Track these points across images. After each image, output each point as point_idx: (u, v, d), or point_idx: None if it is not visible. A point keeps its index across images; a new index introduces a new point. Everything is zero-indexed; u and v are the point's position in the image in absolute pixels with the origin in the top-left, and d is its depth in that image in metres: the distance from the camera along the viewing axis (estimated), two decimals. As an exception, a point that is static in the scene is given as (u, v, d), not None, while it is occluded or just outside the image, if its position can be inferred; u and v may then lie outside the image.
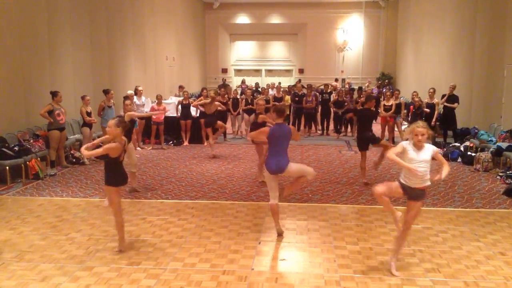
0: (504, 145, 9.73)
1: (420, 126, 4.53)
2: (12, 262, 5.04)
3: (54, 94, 9.46)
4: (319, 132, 15.05)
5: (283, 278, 4.70)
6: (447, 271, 4.86)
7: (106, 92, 10.78)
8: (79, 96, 10.64)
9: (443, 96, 12.35)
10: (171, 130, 13.00)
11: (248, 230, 6.06)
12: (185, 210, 6.95)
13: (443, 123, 12.58)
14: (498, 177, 8.98)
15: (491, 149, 9.96)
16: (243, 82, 22.14)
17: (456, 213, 6.87)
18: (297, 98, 14.52)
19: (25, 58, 9.79)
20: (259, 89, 17.27)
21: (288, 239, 5.81)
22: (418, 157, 4.53)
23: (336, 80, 20.12)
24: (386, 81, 23.16)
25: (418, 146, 4.56)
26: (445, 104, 12.21)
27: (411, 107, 12.49)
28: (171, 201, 7.42)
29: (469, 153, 10.57)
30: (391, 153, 4.55)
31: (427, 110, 11.75)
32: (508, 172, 8.88)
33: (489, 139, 10.81)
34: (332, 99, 14.49)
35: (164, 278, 4.65)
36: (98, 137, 11.40)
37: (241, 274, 4.77)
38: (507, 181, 8.52)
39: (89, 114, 10.28)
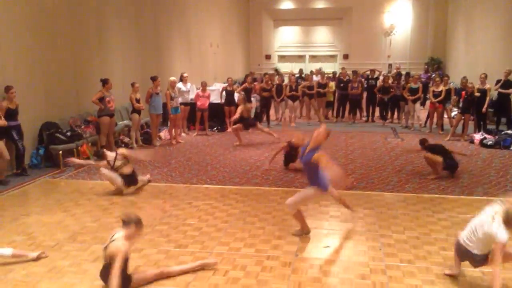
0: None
1: None
2: (65, 243, 5.28)
3: (104, 81, 9.74)
4: (364, 118, 14.79)
5: (327, 265, 4.69)
6: (498, 262, 4.69)
7: (153, 79, 11.00)
8: (128, 83, 10.91)
9: (498, 81, 11.82)
10: (216, 117, 13.13)
11: (292, 217, 6.06)
12: (230, 195, 7.03)
13: (497, 110, 12.08)
14: (555, 166, 8.55)
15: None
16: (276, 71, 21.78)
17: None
18: (342, 85, 14.30)
19: (75, 47, 10.12)
20: (303, 75, 17.11)
21: (332, 226, 5.78)
22: None
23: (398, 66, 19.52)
24: (436, 66, 22.41)
25: None
26: (500, 90, 11.70)
27: (463, 93, 12.04)
28: (216, 186, 7.52)
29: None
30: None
31: (478, 94, 11.30)
32: None
33: (546, 126, 10.30)
34: (378, 85, 14.18)
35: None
36: (146, 123, 11.75)
37: (285, 260, 4.80)
38: None
39: (138, 100, 10.53)
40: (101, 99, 9.58)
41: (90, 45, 10.74)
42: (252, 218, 6.05)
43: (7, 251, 4.70)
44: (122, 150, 7.30)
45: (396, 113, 14.17)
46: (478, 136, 10.96)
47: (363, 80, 15.03)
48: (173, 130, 11.40)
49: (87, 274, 4.49)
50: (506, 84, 11.66)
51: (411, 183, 7.63)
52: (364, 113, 14.86)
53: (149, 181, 7.64)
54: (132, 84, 10.60)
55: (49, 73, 9.33)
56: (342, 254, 5.00)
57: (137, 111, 10.56)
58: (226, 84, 13.16)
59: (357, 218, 6.02)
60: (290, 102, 13.77)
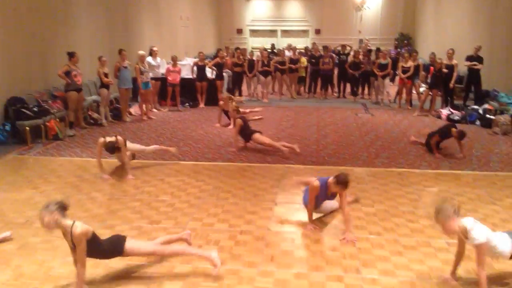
0: (524, 108, 9.57)
1: None
2: (36, 220, 5.19)
3: (71, 55, 9.47)
4: (335, 94, 14.91)
5: (299, 239, 4.79)
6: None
7: (119, 52, 10.76)
8: (95, 57, 10.64)
9: (468, 57, 12.03)
10: (187, 92, 12.99)
11: (265, 192, 6.14)
12: (203, 171, 7.04)
13: (468, 84, 12.37)
14: (517, 140, 8.88)
15: (510, 112, 9.80)
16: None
17: (473, 176, 6.85)
18: (313, 60, 14.33)
19: (40, 19, 9.78)
20: (275, 51, 17.05)
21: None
22: None
23: (363, 40, 19.54)
24: (405, 41, 22.65)
25: None
26: (468, 64, 11.91)
27: (431, 68, 12.26)
28: (188, 162, 7.50)
29: (487, 115, 10.43)
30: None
31: (446, 70, 11.54)
32: (527, 136, 8.78)
33: (509, 101, 10.63)
34: (349, 60, 14.26)
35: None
36: (115, 99, 11.53)
37: (258, 234, 4.87)
38: (526, 145, 8.43)
39: (106, 75, 10.30)
40: (68, 73, 9.33)
41: (56, 17, 10.38)
42: (225, 193, 6.09)
43: None
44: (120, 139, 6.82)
45: (366, 89, 14.33)
46: (445, 111, 11.24)
47: (334, 55, 15.08)
48: (144, 105, 11.24)
49: (59, 251, 4.45)
50: (475, 59, 11.91)
51: (380, 158, 7.79)
52: (336, 89, 14.98)
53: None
54: (100, 58, 10.34)
55: (13, 46, 9.00)
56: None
57: (105, 86, 10.34)
58: (197, 59, 12.99)
59: (328, 192, 6.13)
60: (262, 77, 13.74)
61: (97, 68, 10.34)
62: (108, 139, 6.74)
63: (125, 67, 10.68)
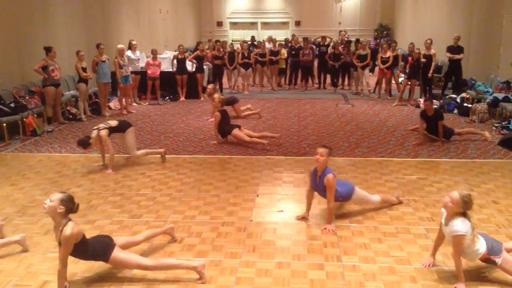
0: (500, 96, 9.75)
1: None
2: (15, 216, 5.14)
3: (48, 49, 9.32)
4: (316, 85, 14.97)
5: (281, 229, 4.82)
6: (440, 219, 4.98)
7: (97, 46, 10.63)
8: (73, 51, 10.49)
9: (448, 48, 12.16)
10: (167, 86, 12.89)
11: (246, 184, 6.16)
12: (184, 164, 7.02)
13: (449, 74, 12.51)
14: (494, 127, 9.05)
15: (487, 100, 9.98)
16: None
17: (451, 163, 6.97)
18: (293, 52, 14.35)
19: (16, 14, 9.60)
20: (255, 43, 17.01)
21: (286, 191, 5.91)
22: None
23: (344, 32, 19.59)
24: (385, 32, 22.82)
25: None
26: (450, 56, 12.02)
27: (409, 58, 12.38)
28: (169, 156, 7.46)
29: (465, 104, 10.60)
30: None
31: (424, 60, 11.67)
32: (503, 123, 8.95)
33: (486, 90, 10.80)
34: (329, 51, 14.31)
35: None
36: (94, 93, 11.38)
37: (240, 225, 4.89)
38: (502, 132, 8.60)
39: (84, 69, 10.16)
40: (45, 68, 9.19)
41: (33, 11, 10.19)
42: (207, 186, 6.09)
43: None
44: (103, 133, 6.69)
45: (346, 80, 14.43)
46: (423, 101, 11.36)
47: (314, 47, 15.12)
48: (124, 99, 11.13)
49: (39, 247, 4.41)
50: (456, 49, 12.06)
51: (360, 148, 7.87)
52: (316, 80, 15.04)
53: None
54: (77, 52, 10.20)
55: (-13, 41, 8.83)
56: (295, 217, 5.14)
57: (84, 80, 10.20)
58: (177, 52, 12.89)
59: (309, 182, 6.18)
60: (242, 70, 13.71)
61: (75, 62, 10.20)
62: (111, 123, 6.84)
63: (103, 61, 10.55)
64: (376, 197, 5.22)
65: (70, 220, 3.60)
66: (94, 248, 3.73)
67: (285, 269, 4.00)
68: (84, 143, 6.51)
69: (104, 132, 6.64)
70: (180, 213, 5.21)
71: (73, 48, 10.81)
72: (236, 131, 8.08)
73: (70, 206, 3.62)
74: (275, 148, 7.82)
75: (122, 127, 6.92)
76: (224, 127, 8.19)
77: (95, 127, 6.76)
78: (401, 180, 6.25)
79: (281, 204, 5.52)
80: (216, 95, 8.94)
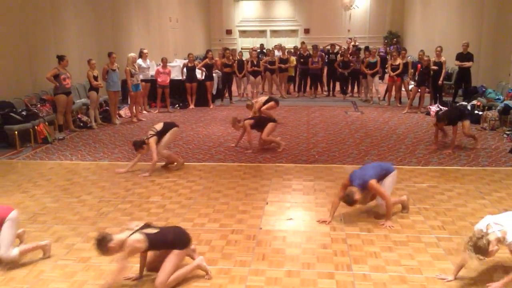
0: (511, 103, 9.66)
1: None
2: (26, 224, 5.17)
3: (60, 58, 9.42)
4: (325, 93, 14.96)
5: (291, 237, 4.81)
6: (451, 228, 4.94)
7: (108, 55, 10.73)
8: (84, 60, 10.60)
9: (458, 55, 12.08)
10: (177, 93, 12.97)
11: (256, 191, 6.15)
12: (193, 172, 7.04)
13: (458, 82, 12.44)
14: (505, 135, 8.96)
15: (498, 108, 9.90)
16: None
17: (462, 171, 6.91)
18: (302, 60, 14.36)
19: (28, 22, 9.72)
20: (264, 51, 17.06)
21: (295, 199, 5.90)
22: None
23: (350, 40, 19.61)
24: (395, 40, 22.77)
25: None
26: (459, 63, 11.96)
27: (419, 66, 12.33)
28: (181, 160, 7.47)
29: (476, 111, 10.52)
30: None
31: (435, 67, 11.62)
32: (515, 131, 8.86)
33: (497, 97, 10.72)
34: (338, 59, 14.31)
35: (174, 237, 4.77)
36: (105, 101, 11.47)
37: (249, 233, 4.88)
38: (514, 140, 8.52)
39: (95, 78, 10.26)
40: (56, 77, 9.28)
41: (45, 20, 10.33)
42: (216, 194, 6.09)
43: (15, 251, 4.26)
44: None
45: (356, 87, 14.40)
46: (434, 108, 11.31)
47: (323, 54, 15.13)
48: (134, 107, 11.20)
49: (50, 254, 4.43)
50: (465, 57, 11.99)
51: (370, 155, 7.83)
52: (325, 88, 15.03)
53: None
54: (89, 61, 10.30)
55: (1, 50, 8.94)
56: (305, 225, 5.12)
57: (95, 88, 10.28)
58: (187, 60, 12.97)
59: (319, 190, 6.16)
60: (252, 77, 13.75)
61: (86, 71, 10.29)
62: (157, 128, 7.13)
63: (114, 70, 10.64)
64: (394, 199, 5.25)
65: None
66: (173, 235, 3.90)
67: (295, 278, 3.98)
68: (137, 145, 6.92)
69: (152, 140, 6.94)
70: (189, 221, 5.21)
71: (84, 56, 10.92)
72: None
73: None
74: (284, 156, 7.81)
75: (167, 129, 7.18)
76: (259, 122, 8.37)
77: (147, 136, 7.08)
78: (412, 188, 6.20)
79: (291, 212, 5.50)
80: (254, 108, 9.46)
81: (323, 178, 6.65)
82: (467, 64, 11.84)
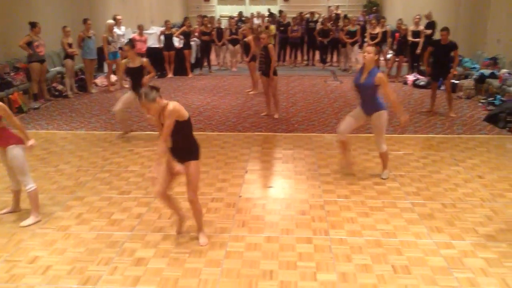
0: (487, 72, 9.82)
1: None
2: (3, 193, 5.12)
3: (32, 25, 9.12)
4: (305, 62, 14.91)
5: (270, 204, 4.88)
6: (426, 194, 5.09)
7: (84, 21, 10.44)
8: (58, 27, 10.29)
9: (426, 25, 12.13)
10: (155, 62, 12.69)
11: (235, 160, 6.18)
12: (172, 141, 7.00)
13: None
14: (480, 104, 9.14)
15: (474, 76, 10.05)
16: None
17: (437, 139, 7.06)
18: (282, 28, 14.22)
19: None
20: (243, 19, 16.82)
21: (275, 167, 5.96)
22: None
23: (330, 8, 19.44)
24: (374, 8, 22.67)
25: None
26: (411, 40, 11.90)
27: (397, 35, 12.36)
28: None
29: (452, 80, 10.63)
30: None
31: (412, 39, 11.64)
32: (489, 99, 9.03)
33: (473, 66, 10.86)
34: (317, 28, 14.21)
35: (154, 205, 4.80)
36: (81, 70, 11.22)
37: (229, 201, 4.93)
38: (488, 108, 8.69)
39: (70, 45, 10.00)
40: (30, 44, 9.01)
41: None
42: (196, 162, 6.09)
43: None
44: None
45: (335, 56, 14.38)
46: (411, 77, 11.42)
47: (302, 23, 14.98)
48: (111, 76, 10.99)
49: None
50: (428, 25, 12.05)
51: (348, 124, 7.89)
52: (305, 57, 14.96)
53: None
54: (63, 28, 10.02)
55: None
56: (284, 193, 5.19)
57: (70, 56, 10.05)
58: (164, 28, 12.71)
59: (298, 159, 6.23)
60: (230, 46, 13.58)
61: (60, 38, 10.02)
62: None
63: (90, 37, 10.38)
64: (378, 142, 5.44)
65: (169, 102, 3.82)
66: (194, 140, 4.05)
67: (274, 243, 4.06)
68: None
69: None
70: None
71: (58, 23, 10.60)
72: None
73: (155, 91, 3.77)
74: (263, 125, 7.83)
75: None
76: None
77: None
78: (388, 155, 6.30)
79: (271, 179, 5.56)
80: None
81: (303, 146, 6.72)
82: (419, 40, 11.75)
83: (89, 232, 4.26)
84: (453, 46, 8.19)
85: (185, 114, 3.85)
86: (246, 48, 10.56)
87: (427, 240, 4.08)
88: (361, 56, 5.16)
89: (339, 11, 19.68)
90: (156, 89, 3.74)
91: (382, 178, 5.47)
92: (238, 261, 3.78)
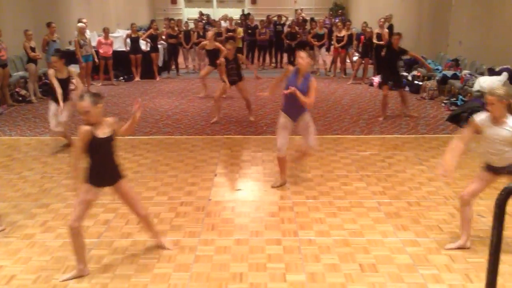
0: (449, 73, 10.11)
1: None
2: (-37, 203, 4.95)
3: (-8, 28, 8.88)
4: (273, 65, 14.99)
5: (240, 207, 4.89)
6: (392, 193, 5.20)
7: (47, 25, 10.22)
8: (20, 30, 10.02)
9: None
10: (121, 65, 12.57)
11: (204, 163, 6.17)
12: (140, 146, 6.94)
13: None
14: (443, 104, 9.41)
15: (437, 78, 10.33)
16: (200, 14, 20.43)
17: (402, 139, 7.22)
18: (250, 31, 14.27)
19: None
20: (210, 21, 16.78)
21: (244, 170, 5.97)
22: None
23: (297, 11, 19.62)
24: (340, 11, 23.02)
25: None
26: (376, 43, 12.18)
27: (362, 37, 12.58)
28: (125, 137, 7.33)
29: (416, 82, 10.93)
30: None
31: (377, 42, 11.87)
32: (452, 99, 9.31)
33: (436, 67, 11.17)
34: (285, 30, 14.32)
35: (121, 211, 4.72)
36: (44, 74, 10.96)
37: (198, 204, 4.92)
38: (451, 108, 8.95)
39: (33, 49, 9.77)
40: (-10, 48, 8.76)
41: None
42: (164, 167, 6.06)
43: None
44: None
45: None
46: (377, 79, 11.63)
47: (271, 25, 15.06)
48: (85, 79, 10.84)
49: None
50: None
51: (316, 125, 7.89)
52: (273, 59, 15.04)
53: None
54: (25, 32, 9.77)
55: None
56: (253, 195, 5.21)
57: (33, 60, 9.81)
58: (130, 31, 12.56)
59: (267, 161, 6.26)
60: (198, 49, 13.51)
61: (23, 42, 9.77)
62: None
63: (54, 41, 10.17)
64: (312, 141, 5.42)
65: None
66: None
67: (244, 246, 4.07)
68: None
69: None
70: (137, 195, 5.15)
71: (19, 26, 10.32)
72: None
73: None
74: (232, 128, 7.84)
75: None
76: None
77: None
78: (355, 156, 6.43)
79: (240, 182, 5.57)
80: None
81: (271, 149, 6.75)
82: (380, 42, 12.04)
83: (54, 240, 4.17)
84: (403, 52, 8.46)
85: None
86: (210, 54, 10.51)
87: (393, 238, 4.18)
88: (298, 60, 5.26)
89: (303, 14, 19.87)
90: (103, 99, 3.62)
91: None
92: (208, 265, 3.77)
